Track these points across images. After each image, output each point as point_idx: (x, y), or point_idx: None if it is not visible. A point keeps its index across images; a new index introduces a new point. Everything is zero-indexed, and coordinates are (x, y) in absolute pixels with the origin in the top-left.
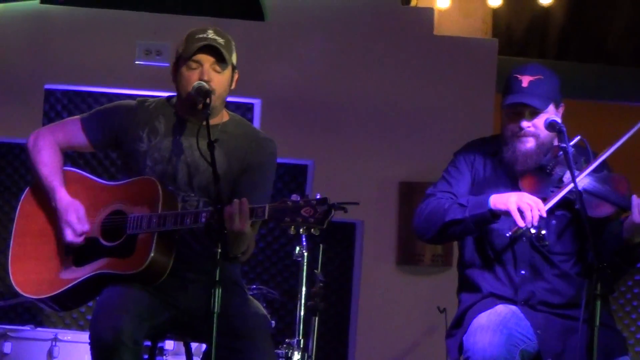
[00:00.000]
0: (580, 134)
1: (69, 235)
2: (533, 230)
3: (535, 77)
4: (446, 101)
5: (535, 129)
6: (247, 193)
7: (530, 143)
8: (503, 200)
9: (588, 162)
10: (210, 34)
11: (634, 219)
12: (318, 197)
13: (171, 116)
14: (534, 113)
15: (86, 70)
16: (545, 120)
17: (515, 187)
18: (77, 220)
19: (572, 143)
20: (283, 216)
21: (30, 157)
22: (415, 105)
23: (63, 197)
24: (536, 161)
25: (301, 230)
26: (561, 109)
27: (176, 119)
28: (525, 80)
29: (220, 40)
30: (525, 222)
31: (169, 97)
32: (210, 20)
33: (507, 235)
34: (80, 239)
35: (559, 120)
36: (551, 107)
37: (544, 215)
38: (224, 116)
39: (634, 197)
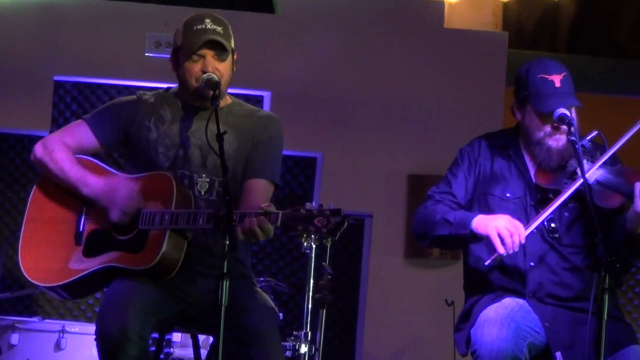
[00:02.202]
0: (591, 128)
1: (115, 214)
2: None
3: (562, 75)
4: (456, 94)
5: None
6: (257, 167)
7: (562, 140)
8: (484, 224)
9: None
10: (209, 23)
11: (636, 207)
12: (331, 207)
13: (175, 104)
14: (568, 110)
15: (96, 62)
16: (555, 114)
17: (526, 180)
18: (128, 196)
19: (589, 138)
20: (296, 224)
21: (45, 162)
22: (425, 98)
23: (95, 182)
24: (570, 155)
25: (312, 240)
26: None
27: (181, 105)
28: (557, 80)
29: (219, 30)
30: (505, 248)
31: (167, 88)
32: (221, 12)
33: (486, 264)
34: (127, 218)
35: (568, 113)
36: None
37: (523, 241)
38: (227, 99)
39: (637, 184)
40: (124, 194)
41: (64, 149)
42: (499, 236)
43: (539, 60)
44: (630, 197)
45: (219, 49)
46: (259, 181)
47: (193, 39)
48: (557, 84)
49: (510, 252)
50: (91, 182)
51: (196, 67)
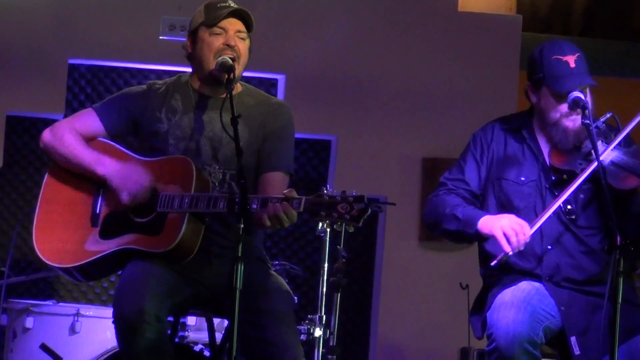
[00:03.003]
0: (605, 111)
1: (132, 192)
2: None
3: (576, 55)
4: (470, 77)
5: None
6: (272, 160)
7: (578, 120)
8: (489, 224)
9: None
10: (232, 3)
11: None
12: (354, 194)
13: (187, 92)
14: (583, 91)
15: (110, 45)
16: (569, 97)
17: (540, 162)
18: (139, 176)
19: (603, 119)
20: (319, 210)
21: (53, 145)
22: (439, 81)
23: (111, 162)
24: (586, 136)
25: (335, 226)
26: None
27: (193, 95)
28: (571, 61)
29: (244, 9)
30: (511, 247)
31: (179, 76)
32: None
33: (492, 264)
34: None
35: (582, 96)
36: None
37: (529, 240)
38: (238, 87)
39: None
40: (135, 178)
41: (74, 134)
42: (505, 235)
43: (552, 42)
44: None
45: (243, 23)
46: (275, 174)
47: (217, 12)
48: (572, 65)
49: (517, 251)
50: (107, 162)
51: (218, 41)
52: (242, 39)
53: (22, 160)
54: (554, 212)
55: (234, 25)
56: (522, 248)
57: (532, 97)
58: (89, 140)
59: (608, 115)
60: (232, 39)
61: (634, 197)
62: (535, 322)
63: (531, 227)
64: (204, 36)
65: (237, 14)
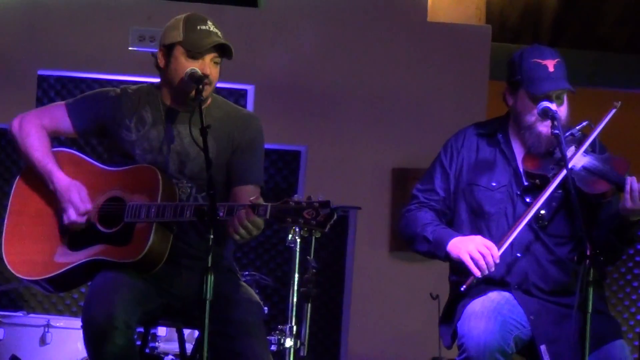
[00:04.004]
0: (575, 121)
1: (72, 215)
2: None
3: (556, 60)
4: (440, 87)
5: (560, 113)
6: (242, 173)
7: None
8: (457, 248)
9: (593, 147)
10: (212, 26)
11: (626, 205)
12: (320, 199)
13: (158, 105)
14: (559, 97)
15: (80, 56)
16: (538, 107)
17: (512, 167)
18: (79, 199)
19: (579, 127)
20: (285, 216)
21: (17, 141)
22: (409, 91)
23: (62, 178)
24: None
25: (302, 232)
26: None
27: (162, 108)
28: (550, 65)
29: (221, 34)
30: (480, 270)
31: (152, 84)
32: (204, 6)
33: (462, 289)
34: (83, 219)
35: (551, 106)
36: None
37: (497, 261)
38: (206, 100)
39: (628, 179)
40: (75, 197)
41: (40, 133)
42: (472, 259)
43: (534, 46)
44: (616, 184)
45: (220, 54)
46: (246, 187)
47: (199, 39)
48: (551, 69)
49: (486, 273)
50: (56, 178)
51: (191, 65)
52: (216, 63)
53: None
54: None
55: (212, 54)
56: (492, 270)
57: (509, 99)
58: (58, 134)
59: (584, 124)
60: (207, 68)
61: (603, 203)
62: (506, 332)
63: (500, 247)
64: (180, 58)
65: (219, 47)
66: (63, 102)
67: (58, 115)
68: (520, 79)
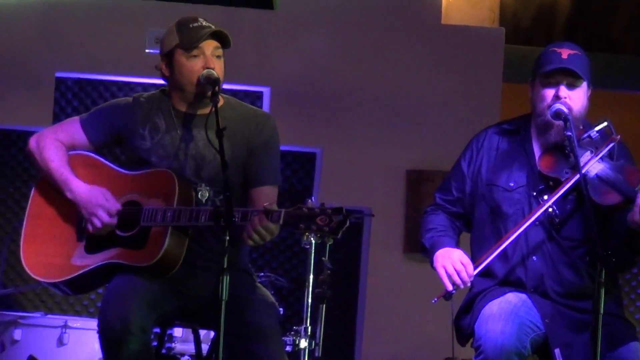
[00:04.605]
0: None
1: (105, 217)
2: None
3: (574, 52)
4: (453, 90)
5: (571, 102)
6: (259, 174)
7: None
8: (437, 261)
9: (610, 152)
10: (203, 22)
11: (634, 218)
12: (333, 205)
13: (169, 111)
14: (571, 85)
15: (97, 58)
16: (551, 109)
17: (530, 166)
18: (106, 201)
19: (597, 129)
20: (298, 222)
21: (35, 157)
22: (423, 94)
23: (80, 185)
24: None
25: (314, 238)
26: (590, 91)
27: (174, 114)
28: (565, 53)
29: (221, 29)
30: (453, 286)
31: (162, 90)
32: (220, 9)
33: (433, 301)
34: (115, 220)
35: (564, 109)
36: (585, 84)
37: (472, 278)
38: (220, 100)
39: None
40: (101, 199)
41: (56, 147)
42: (447, 274)
43: (559, 42)
44: (626, 196)
45: (219, 42)
46: (264, 188)
47: (193, 33)
48: (564, 56)
49: (460, 288)
50: (75, 186)
51: (198, 64)
52: (218, 56)
53: (10, 172)
54: (532, 223)
55: (210, 45)
56: (467, 285)
57: (529, 92)
58: (75, 149)
59: (603, 124)
60: (210, 61)
61: (616, 214)
62: (523, 334)
63: (475, 268)
64: (182, 60)
65: (214, 35)
66: (77, 117)
67: (73, 130)
68: (535, 67)
